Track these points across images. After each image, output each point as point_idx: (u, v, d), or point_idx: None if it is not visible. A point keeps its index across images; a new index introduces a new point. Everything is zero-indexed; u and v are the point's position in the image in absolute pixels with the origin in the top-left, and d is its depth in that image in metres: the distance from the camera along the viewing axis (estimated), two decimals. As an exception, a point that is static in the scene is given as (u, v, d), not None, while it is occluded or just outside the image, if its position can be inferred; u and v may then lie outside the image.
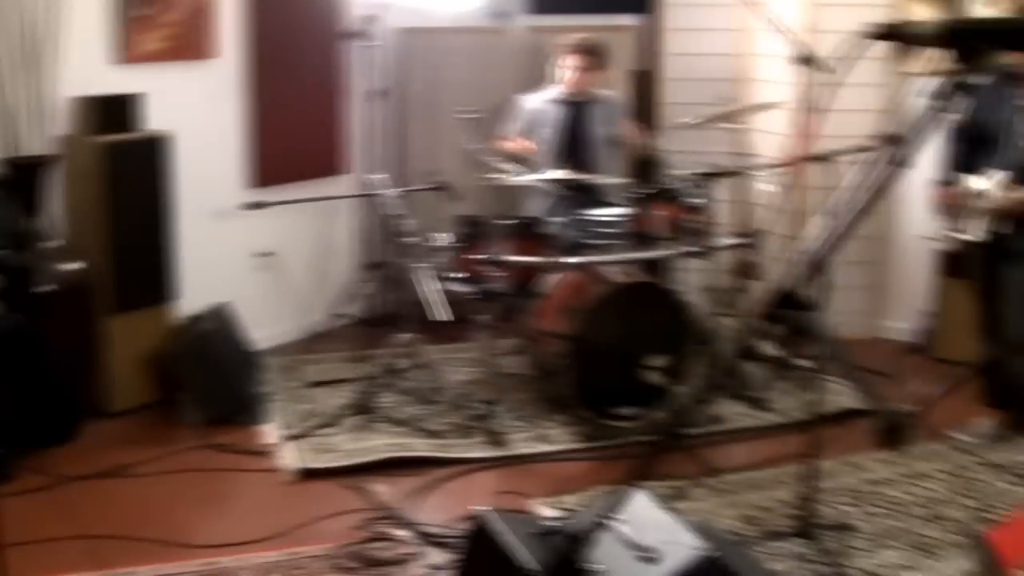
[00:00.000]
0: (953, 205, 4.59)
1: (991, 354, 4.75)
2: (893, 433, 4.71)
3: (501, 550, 2.77)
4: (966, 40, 1.01)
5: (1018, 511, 4.01)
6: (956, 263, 5.42)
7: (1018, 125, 4.37)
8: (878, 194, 1.15)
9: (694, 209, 5.13)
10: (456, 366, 5.44)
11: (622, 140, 5.94)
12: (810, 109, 5.23)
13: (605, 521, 2.69)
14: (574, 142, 5.77)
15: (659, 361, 4.75)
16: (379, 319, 6.15)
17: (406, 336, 5.23)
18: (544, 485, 4.34)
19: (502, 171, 5.02)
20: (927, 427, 4.92)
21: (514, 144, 5.74)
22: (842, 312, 5.73)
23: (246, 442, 4.75)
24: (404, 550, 3.75)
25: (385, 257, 6.02)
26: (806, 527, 3.81)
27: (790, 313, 1.14)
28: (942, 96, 1.03)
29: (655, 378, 4.77)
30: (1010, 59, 4.39)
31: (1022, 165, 4.35)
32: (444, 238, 5.04)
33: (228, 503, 4.23)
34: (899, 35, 1.09)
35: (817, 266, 1.13)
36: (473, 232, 4.98)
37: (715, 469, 4.47)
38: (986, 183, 4.44)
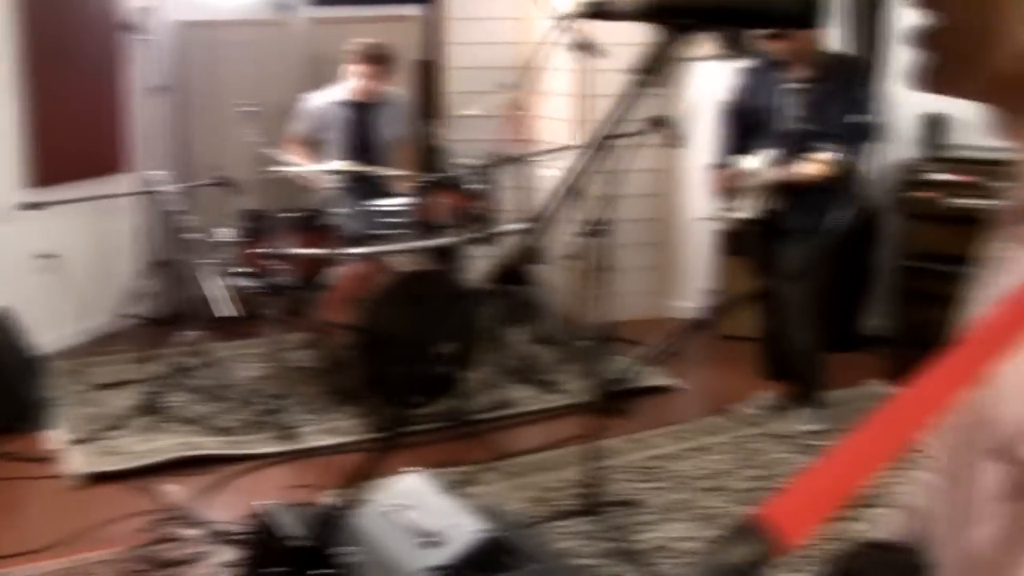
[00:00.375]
0: (727, 186, 4.81)
1: (769, 328, 4.97)
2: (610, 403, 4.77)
3: (280, 541, 2.82)
4: (671, 16, 1.08)
5: (794, 480, 4.23)
6: (734, 242, 5.59)
7: (785, 107, 4.60)
8: (583, 177, 1.18)
9: (477, 196, 5.23)
10: (245, 362, 5.42)
11: (407, 138, 6.03)
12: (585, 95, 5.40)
13: (364, 505, 2.75)
14: (361, 143, 5.81)
15: (447, 348, 4.84)
16: (165, 318, 6.05)
17: (193, 334, 5.18)
18: (335, 477, 4.37)
19: (286, 165, 5.02)
20: (710, 401, 5.14)
21: (296, 151, 5.79)
22: (629, 293, 5.93)
23: (31, 449, 4.64)
24: (193, 549, 3.74)
25: (169, 255, 5.93)
26: (593, 505, 3.94)
27: (511, 288, 1.20)
28: (647, 71, 1.09)
29: (443, 365, 4.85)
30: (770, 46, 4.62)
31: (789, 144, 4.57)
32: (228, 233, 5.02)
33: (13, 512, 4.14)
34: (606, 13, 1.14)
35: (532, 245, 1.19)
36: (257, 226, 4.97)
37: (504, 453, 4.58)
38: (757, 163, 4.67)
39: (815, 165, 4.37)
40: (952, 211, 5.19)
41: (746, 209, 4.72)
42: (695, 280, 6.48)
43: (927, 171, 5.46)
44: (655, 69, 1.06)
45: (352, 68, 5.72)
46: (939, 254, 5.04)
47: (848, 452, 0.70)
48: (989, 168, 4.94)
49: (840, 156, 4.36)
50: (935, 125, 5.56)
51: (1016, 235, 0.94)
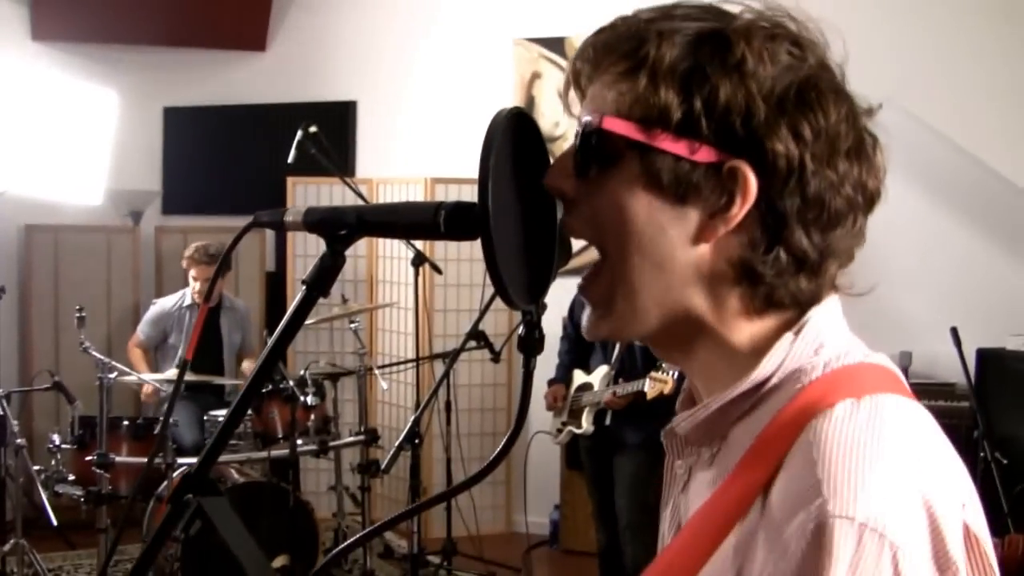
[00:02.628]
0: (561, 402, 4.94)
1: (604, 543, 4.96)
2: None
3: None
4: (327, 227, 1.18)
5: None
6: (574, 456, 5.59)
7: None
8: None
9: (314, 408, 5.24)
10: (75, 574, 5.22)
11: (252, 348, 6.05)
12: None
13: None
14: (206, 347, 5.82)
15: (279, 562, 4.76)
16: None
17: (14, 543, 4.98)
18: None
19: (124, 372, 4.97)
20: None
21: (138, 355, 5.75)
22: (479, 508, 5.92)
23: None
24: None
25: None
26: None
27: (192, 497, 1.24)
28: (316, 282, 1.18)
29: (277, 578, 4.76)
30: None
31: (626, 359, 4.69)
32: (59, 439, 4.90)
33: None
34: (274, 224, 1.25)
35: (214, 452, 1.23)
36: (90, 433, 4.87)
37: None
38: (593, 379, 4.80)
39: (653, 384, 4.42)
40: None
41: (581, 424, 4.82)
42: (545, 495, 6.48)
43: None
44: (323, 280, 1.16)
45: (191, 272, 5.78)
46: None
47: None
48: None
49: (677, 372, 4.46)
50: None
51: (683, 455, 1.06)
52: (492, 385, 6.55)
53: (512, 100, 6.63)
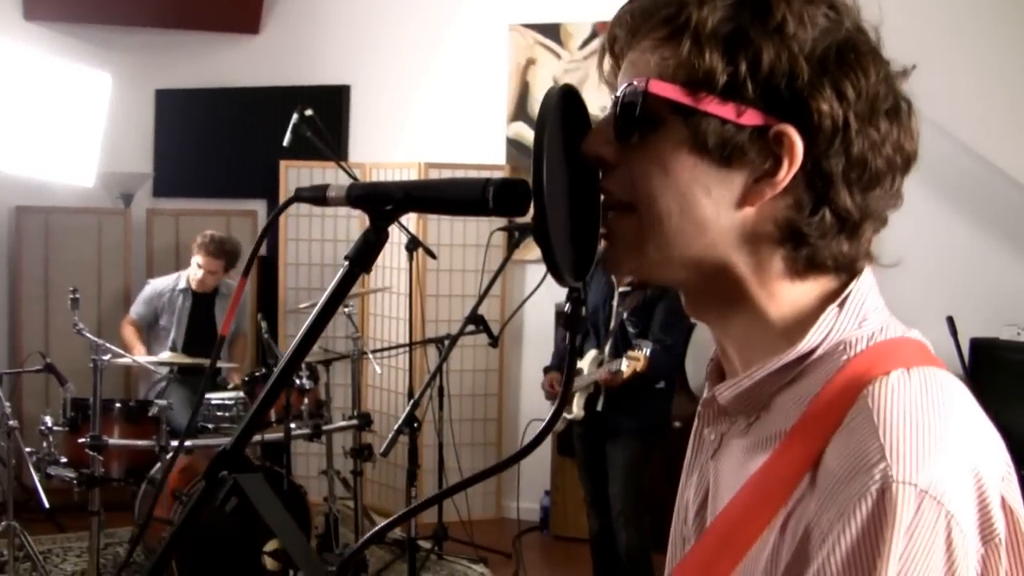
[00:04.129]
0: (555, 388, 4.94)
1: (596, 529, 4.97)
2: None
3: None
4: (373, 202, 1.18)
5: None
6: (565, 443, 5.65)
7: (614, 308, 4.77)
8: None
9: (308, 392, 5.24)
10: (64, 556, 5.22)
11: (244, 332, 6.06)
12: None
13: None
14: (198, 331, 5.83)
15: (271, 546, 4.76)
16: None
17: (6, 525, 4.97)
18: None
19: (119, 354, 4.97)
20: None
21: (132, 335, 5.75)
22: (470, 493, 5.92)
23: None
24: None
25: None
26: None
27: (233, 475, 1.24)
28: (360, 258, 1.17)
29: (270, 563, 4.76)
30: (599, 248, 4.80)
31: (614, 344, 4.70)
32: (51, 422, 4.89)
33: None
34: (316, 198, 1.25)
35: (249, 428, 1.23)
36: (83, 416, 4.87)
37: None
38: (580, 363, 4.82)
39: (628, 363, 4.42)
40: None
41: (571, 409, 4.83)
42: (536, 481, 6.49)
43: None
44: (366, 255, 1.16)
45: (196, 258, 5.78)
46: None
47: None
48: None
49: (653, 350, 4.45)
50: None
51: (715, 423, 1.07)
52: (484, 371, 6.56)
53: (507, 86, 6.63)
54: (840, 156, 0.94)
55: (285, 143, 4.92)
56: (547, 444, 6.28)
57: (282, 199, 6.72)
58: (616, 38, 1.03)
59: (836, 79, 0.94)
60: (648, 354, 4.40)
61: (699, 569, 0.97)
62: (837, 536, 0.85)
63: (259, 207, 7.16)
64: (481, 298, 3.94)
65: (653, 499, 4.82)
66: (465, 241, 6.42)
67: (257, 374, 5.23)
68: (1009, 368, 5.03)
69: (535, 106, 6.52)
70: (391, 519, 1.16)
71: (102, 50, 6.97)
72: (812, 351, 0.98)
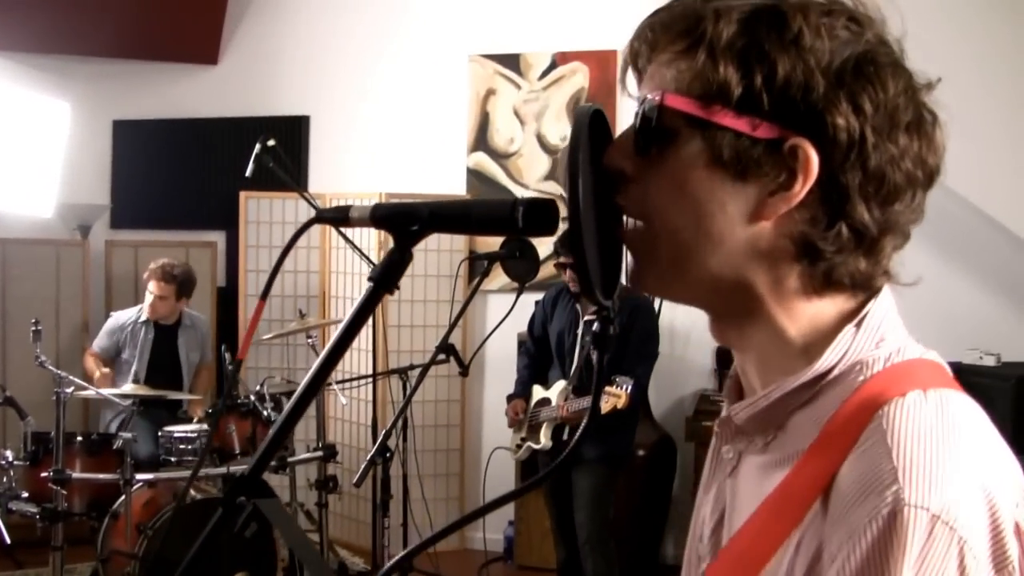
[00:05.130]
0: (520, 416, 4.94)
1: (563, 558, 4.99)
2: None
3: None
4: (398, 222, 1.19)
5: None
6: (530, 472, 5.65)
7: (576, 336, 4.79)
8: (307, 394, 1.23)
9: (273, 423, 5.20)
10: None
11: (207, 363, 6.03)
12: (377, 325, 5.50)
13: None
14: (160, 363, 5.80)
15: (239, 576, 4.73)
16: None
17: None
18: None
19: (81, 386, 4.92)
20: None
21: (93, 365, 5.70)
22: (435, 524, 5.86)
23: None
24: None
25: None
26: None
27: (246, 500, 1.24)
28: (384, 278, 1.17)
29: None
30: (566, 278, 4.81)
31: (579, 375, 4.74)
32: (11, 456, 4.83)
33: None
34: (338, 219, 1.25)
35: (269, 452, 1.23)
36: (43, 449, 4.81)
37: None
38: (550, 394, 4.82)
39: (609, 398, 4.42)
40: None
41: (539, 439, 4.84)
42: (496, 511, 6.43)
43: (720, 400, 5.69)
44: (389, 275, 1.16)
45: (149, 285, 5.75)
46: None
47: None
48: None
49: (631, 386, 4.45)
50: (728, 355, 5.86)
51: (732, 441, 1.08)
52: (446, 401, 6.54)
53: (467, 116, 6.65)
54: (857, 170, 0.94)
55: (248, 173, 4.90)
56: (511, 473, 6.28)
57: (242, 230, 6.77)
58: (638, 52, 1.03)
59: (853, 92, 0.94)
60: (629, 391, 4.41)
61: None
62: (847, 556, 0.85)
63: (218, 238, 7.12)
64: (451, 327, 3.94)
65: (617, 525, 4.84)
66: (426, 272, 6.41)
67: (226, 406, 5.20)
68: (972, 391, 5.06)
69: (495, 136, 6.55)
70: (440, 531, 1.14)
71: (61, 79, 6.94)
72: (828, 371, 0.98)
